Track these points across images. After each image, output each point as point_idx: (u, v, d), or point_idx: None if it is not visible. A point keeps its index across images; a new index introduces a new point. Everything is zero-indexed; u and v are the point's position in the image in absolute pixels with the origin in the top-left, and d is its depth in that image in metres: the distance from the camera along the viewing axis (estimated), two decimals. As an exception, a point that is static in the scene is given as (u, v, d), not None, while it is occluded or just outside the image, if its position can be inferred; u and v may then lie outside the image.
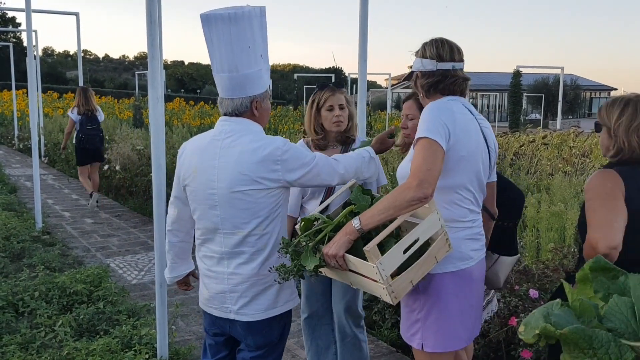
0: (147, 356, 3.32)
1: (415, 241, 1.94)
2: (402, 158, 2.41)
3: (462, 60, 2.19)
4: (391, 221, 1.96)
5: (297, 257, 2.03)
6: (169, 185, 2.74)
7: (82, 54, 12.72)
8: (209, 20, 2.08)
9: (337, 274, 2.09)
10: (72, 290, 4.27)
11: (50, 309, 4.01)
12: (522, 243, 4.61)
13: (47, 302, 4.15)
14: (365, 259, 1.89)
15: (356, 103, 3.16)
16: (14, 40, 44.16)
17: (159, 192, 3.14)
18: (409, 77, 2.32)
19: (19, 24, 50.33)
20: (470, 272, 2.15)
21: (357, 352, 2.98)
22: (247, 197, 2.08)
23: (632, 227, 1.90)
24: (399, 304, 2.27)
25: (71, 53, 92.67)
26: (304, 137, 3.04)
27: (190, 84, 70.16)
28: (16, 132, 15.91)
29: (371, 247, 1.85)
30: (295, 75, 36.51)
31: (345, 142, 2.85)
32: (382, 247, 1.91)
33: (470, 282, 2.16)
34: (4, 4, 47.56)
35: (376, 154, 2.47)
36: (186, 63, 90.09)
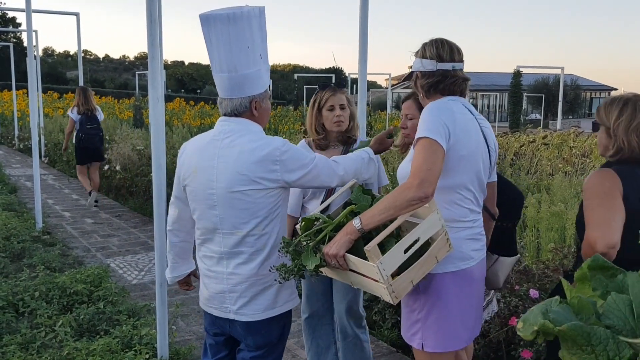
0: (147, 356, 3.32)
1: (416, 241, 1.94)
2: (402, 158, 2.41)
3: (462, 61, 2.19)
4: (392, 221, 1.96)
5: (297, 257, 2.03)
6: (169, 185, 2.74)
7: (83, 54, 12.72)
8: (208, 20, 2.08)
9: (337, 273, 2.09)
10: (72, 290, 4.27)
11: (51, 309, 4.01)
12: (522, 243, 4.61)
13: (48, 302, 4.15)
14: (365, 258, 1.89)
15: (356, 103, 3.16)
16: (15, 40, 44.18)
17: (159, 192, 3.14)
18: (408, 77, 2.33)
19: (19, 24, 50.38)
20: (471, 272, 2.15)
21: (359, 352, 2.97)
22: (246, 197, 2.08)
23: (630, 226, 1.91)
24: (399, 304, 2.27)
25: (71, 53, 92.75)
26: (304, 137, 3.05)
27: (190, 84, 70.20)
28: (16, 132, 15.92)
29: (372, 246, 1.85)
30: (296, 76, 36.52)
31: (347, 142, 2.85)
32: (383, 247, 1.91)
33: (471, 282, 2.16)
34: (4, 4, 47.66)
35: (375, 154, 2.47)
36: (186, 63, 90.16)
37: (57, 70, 66.61)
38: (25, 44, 10.32)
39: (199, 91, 61.69)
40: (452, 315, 2.13)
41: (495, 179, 2.37)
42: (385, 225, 1.96)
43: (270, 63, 2.34)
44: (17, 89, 16.37)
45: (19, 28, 42.96)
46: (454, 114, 2.07)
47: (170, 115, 19.17)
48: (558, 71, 21.27)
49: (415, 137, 2.03)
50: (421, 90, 2.23)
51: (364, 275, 1.96)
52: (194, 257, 2.40)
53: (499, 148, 7.34)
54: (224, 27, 2.06)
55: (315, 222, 2.16)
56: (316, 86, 2.91)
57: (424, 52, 2.19)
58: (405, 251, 1.92)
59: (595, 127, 2.17)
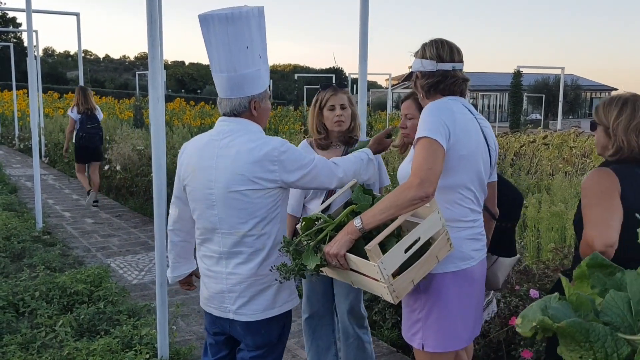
0: (147, 356, 3.33)
1: (417, 240, 1.94)
2: (403, 158, 2.41)
3: (461, 61, 2.20)
4: (392, 221, 1.96)
5: (298, 257, 2.03)
6: (170, 185, 2.75)
7: (83, 54, 12.72)
8: (206, 20, 2.09)
9: (338, 273, 2.09)
10: (72, 290, 4.28)
11: (51, 309, 4.01)
12: (522, 243, 4.61)
13: (48, 302, 4.15)
14: (366, 258, 1.89)
15: (356, 103, 3.17)
16: (15, 40, 44.19)
17: (160, 192, 3.15)
18: (408, 77, 2.33)
19: (20, 24, 50.39)
20: (472, 272, 2.15)
21: (361, 353, 2.97)
22: (244, 197, 2.08)
23: (628, 226, 1.91)
24: (399, 304, 2.27)
25: (72, 53, 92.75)
26: (304, 137, 3.05)
27: (190, 84, 70.20)
28: (17, 132, 15.92)
29: (372, 246, 1.85)
30: (296, 76, 36.52)
31: (348, 142, 2.85)
32: (384, 247, 1.91)
33: (472, 282, 2.16)
34: (5, 4, 47.68)
35: (374, 154, 2.47)
36: (187, 63, 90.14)
37: (58, 70, 66.62)
38: (25, 44, 10.33)
39: (199, 91, 61.69)
40: (453, 315, 2.13)
41: (496, 179, 2.37)
42: (386, 225, 1.96)
43: (270, 63, 2.34)
44: (17, 89, 16.38)
45: (20, 28, 43.01)
46: (454, 114, 2.08)
47: (170, 115, 19.18)
48: (558, 71, 21.27)
49: (416, 137, 2.03)
50: (421, 90, 2.23)
51: (364, 275, 1.96)
52: (195, 257, 2.40)
53: (500, 148, 7.36)
54: (222, 27, 2.06)
55: (316, 222, 2.16)
56: (316, 86, 2.91)
57: (423, 53, 2.19)
58: (406, 251, 1.92)
59: (593, 126, 2.17)
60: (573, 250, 3.85)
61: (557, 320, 0.99)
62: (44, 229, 6.61)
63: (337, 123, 2.77)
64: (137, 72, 30.91)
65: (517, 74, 27.07)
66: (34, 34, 7.09)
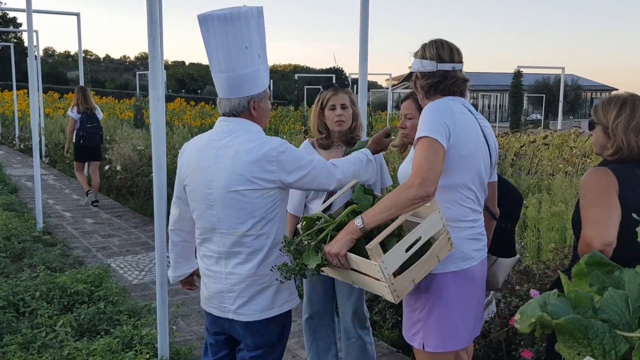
0: (147, 356, 3.33)
1: (417, 240, 1.94)
2: (403, 158, 2.41)
3: (461, 62, 2.20)
4: (393, 220, 1.96)
5: (299, 256, 2.03)
6: (170, 185, 2.75)
7: (83, 54, 12.73)
8: (205, 21, 2.09)
9: (339, 273, 2.09)
10: (72, 290, 4.28)
11: (51, 309, 4.01)
12: (523, 243, 4.61)
13: (48, 302, 4.15)
14: (367, 258, 1.89)
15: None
16: (15, 40, 44.20)
17: (160, 193, 3.15)
18: (408, 77, 2.33)
19: (20, 24, 50.41)
20: (472, 272, 2.15)
21: (362, 353, 2.96)
22: (243, 197, 2.08)
23: (626, 225, 1.92)
24: (399, 304, 2.27)
25: (72, 53, 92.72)
26: (305, 137, 3.05)
27: (191, 84, 70.19)
28: (17, 132, 15.93)
29: (373, 245, 1.85)
30: (296, 76, 36.51)
31: (350, 142, 2.84)
32: (384, 246, 1.91)
33: (472, 282, 2.16)
34: (5, 4, 47.72)
35: (373, 154, 2.47)
36: (187, 63, 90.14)
37: (58, 70, 66.61)
38: (26, 44, 10.32)
39: (199, 91, 61.68)
40: (453, 315, 2.13)
41: (496, 179, 2.37)
42: (387, 225, 1.96)
43: (271, 63, 2.34)
44: (17, 89, 16.39)
45: (20, 28, 43.02)
46: (454, 114, 2.08)
47: (170, 115, 19.19)
48: (559, 71, 21.25)
49: (416, 137, 2.03)
50: (421, 90, 2.24)
51: (365, 274, 1.96)
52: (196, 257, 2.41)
53: (500, 148, 7.36)
54: (221, 27, 2.07)
55: (317, 222, 2.16)
56: (316, 86, 2.92)
57: (423, 53, 2.20)
58: (407, 250, 1.92)
59: (591, 126, 2.17)
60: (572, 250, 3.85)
61: (555, 316, 0.99)
62: (45, 229, 6.61)
63: (337, 123, 2.77)
64: (137, 72, 30.91)
65: (518, 74, 27.07)
66: (34, 34, 7.10)
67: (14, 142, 15.86)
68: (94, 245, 6.25)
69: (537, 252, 4.53)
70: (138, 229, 7.02)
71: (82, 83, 11.08)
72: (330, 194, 2.71)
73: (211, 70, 2.19)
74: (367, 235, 1.96)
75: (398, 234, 2.02)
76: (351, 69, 54.44)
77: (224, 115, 2.20)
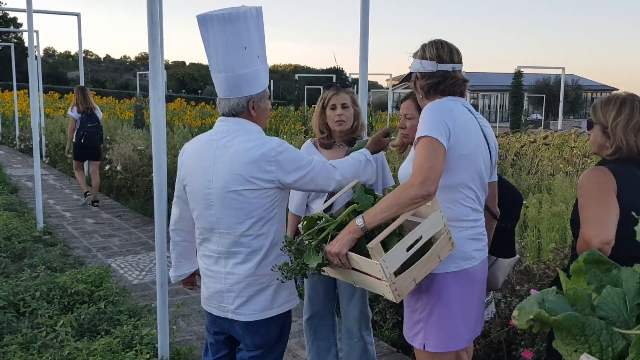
0: (148, 356, 3.33)
1: (419, 239, 1.94)
2: (403, 158, 2.41)
3: (461, 62, 2.21)
4: (394, 220, 1.96)
5: (300, 256, 2.03)
6: (170, 185, 2.75)
7: (83, 55, 12.74)
8: (205, 21, 2.10)
9: (340, 272, 2.09)
10: (73, 290, 4.28)
11: (52, 309, 4.01)
12: (523, 243, 4.61)
13: (48, 302, 4.15)
14: (368, 257, 1.89)
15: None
16: (16, 40, 44.20)
17: (160, 193, 3.15)
18: (408, 78, 2.33)
19: (20, 25, 50.41)
20: (473, 272, 2.15)
21: (363, 354, 2.96)
22: (241, 197, 2.08)
23: (624, 224, 1.92)
24: (400, 304, 2.27)
25: (72, 53, 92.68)
26: (305, 137, 3.05)
27: (191, 84, 70.18)
28: (17, 132, 15.93)
29: (374, 244, 1.85)
30: (297, 76, 36.51)
31: (351, 142, 2.84)
32: (385, 245, 1.91)
33: (473, 282, 2.16)
34: (5, 4, 47.75)
35: (372, 154, 2.47)
36: (187, 63, 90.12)
37: (58, 70, 66.60)
38: (26, 44, 10.33)
39: (199, 91, 61.68)
40: (454, 315, 2.13)
41: (496, 179, 2.38)
42: (388, 224, 1.96)
43: (271, 63, 2.35)
44: (18, 89, 16.40)
45: (20, 28, 43.00)
46: (454, 114, 2.08)
47: (171, 115, 19.21)
48: (559, 71, 21.25)
49: (416, 137, 2.04)
50: (421, 91, 2.24)
51: (366, 274, 1.96)
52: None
53: (500, 148, 7.36)
54: (220, 27, 2.07)
55: (318, 221, 2.16)
56: (317, 86, 2.92)
57: (423, 53, 2.20)
58: (408, 249, 1.92)
59: (590, 125, 2.17)
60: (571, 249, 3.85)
61: (553, 313, 1.00)
62: (45, 229, 6.61)
63: (337, 122, 2.77)
64: (137, 72, 30.94)
65: (518, 74, 27.06)
66: (34, 34, 7.11)
67: (15, 142, 15.86)
68: (94, 245, 6.25)
69: (537, 252, 4.53)
70: (138, 229, 7.03)
71: (82, 83, 11.08)
72: (332, 193, 2.72)
73: (211, 70, 2.19)
74: (368, 234, 1.96)
75: (399, 234, 2.02)
76: (351, 69, 54.40)
77: (223, 115, 2.20)
